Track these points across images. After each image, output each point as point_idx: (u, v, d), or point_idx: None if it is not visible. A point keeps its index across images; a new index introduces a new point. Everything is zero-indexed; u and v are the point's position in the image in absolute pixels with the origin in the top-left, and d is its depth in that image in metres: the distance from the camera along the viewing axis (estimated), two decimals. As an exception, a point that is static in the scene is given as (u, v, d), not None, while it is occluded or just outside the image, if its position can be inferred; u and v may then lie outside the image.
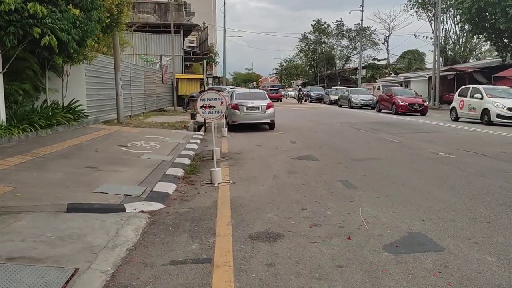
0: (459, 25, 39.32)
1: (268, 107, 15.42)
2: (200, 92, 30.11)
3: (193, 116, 18.19)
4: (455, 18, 43.47)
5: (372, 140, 12.36)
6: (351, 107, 29.20)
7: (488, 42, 32.89)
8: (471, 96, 18.18)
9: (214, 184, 6.81)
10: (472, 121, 18.19)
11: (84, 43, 9.10)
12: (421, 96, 23.01)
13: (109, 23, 11.68)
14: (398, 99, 22.69)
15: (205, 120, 17.48)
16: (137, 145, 10.32)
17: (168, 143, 11.20)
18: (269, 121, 15.51)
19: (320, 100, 40.53)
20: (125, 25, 13.39)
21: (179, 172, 7.65)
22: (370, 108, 28.43)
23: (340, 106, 31.95)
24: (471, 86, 19.36)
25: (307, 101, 43.44)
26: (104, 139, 10.90)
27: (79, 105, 12.70)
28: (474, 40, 45.11)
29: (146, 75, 22.76)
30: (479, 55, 48.54)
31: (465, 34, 44.33)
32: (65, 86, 12.69)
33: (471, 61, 43.62)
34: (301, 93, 42.44)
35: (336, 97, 34.21)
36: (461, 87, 20.15)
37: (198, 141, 12.17)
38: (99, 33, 11.10)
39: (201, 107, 7.03)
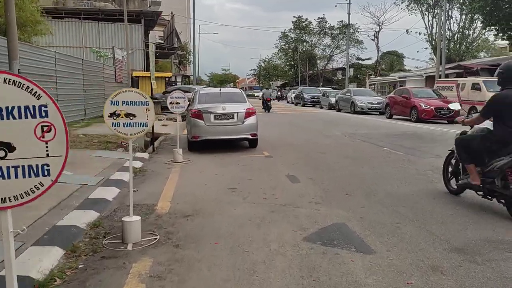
0: (469, 16, 35.18)
1: (248, 114, 10.07)
2: (164, 93, 24.53)
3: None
4: (450, 13, 39.57)
5: (431, 176, 7.12)
6: (355, 112, 23.44)
7: (501, 35, 28.38)
8: None
9: None
10: None
11: None
12: (446, 97, 17.80)
13: None
14: (419, 102, 17.25)
15: (153, 132, 12.08)
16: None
17: (57, 188, 5.73)
18: (250, 136, 10.17)
19: (315, 103, 32.96)
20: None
21: None
22: (378, 113, 22.85)
23: (339, 110, 25.90)
24: None
25: (299, 104, 36.12)
26: None
27: None
28: (471, 36, 41.19)
29: (88, 71, 17.11)
30: (475, 53, 44.74)
31: (461, 30, 40.41)
32: None
33: (466, 58, 39.47)
34: None
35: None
36: None
37: (125, 178, 6.71)
38: None
39: None
